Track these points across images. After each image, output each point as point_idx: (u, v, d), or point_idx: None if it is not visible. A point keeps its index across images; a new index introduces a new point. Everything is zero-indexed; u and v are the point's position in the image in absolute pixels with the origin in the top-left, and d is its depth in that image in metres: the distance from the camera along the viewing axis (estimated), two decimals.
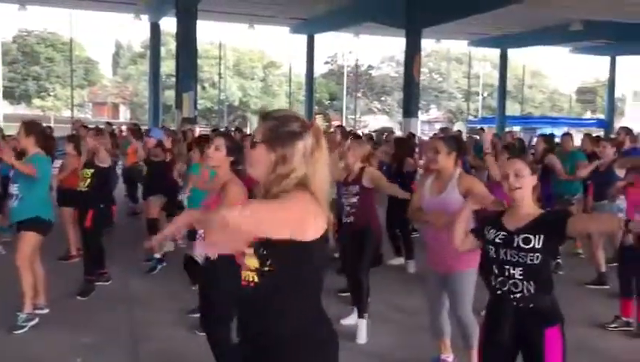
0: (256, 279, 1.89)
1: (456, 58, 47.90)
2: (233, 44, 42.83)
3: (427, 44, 30.71)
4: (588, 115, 51.42)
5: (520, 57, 33.89)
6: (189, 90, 14.82)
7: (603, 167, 6.52)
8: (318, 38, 25.47)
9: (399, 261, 7.41)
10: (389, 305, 5.72)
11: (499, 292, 2.86)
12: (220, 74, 30.95)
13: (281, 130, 1.91)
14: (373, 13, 18.42)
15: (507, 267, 2.82)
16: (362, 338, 4.81)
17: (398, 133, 19.32)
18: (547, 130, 34.33)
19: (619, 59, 29.56)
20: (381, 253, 6.17)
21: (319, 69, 38.64)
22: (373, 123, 48.88)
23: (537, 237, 2.79)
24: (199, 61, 22.18)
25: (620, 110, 43.90)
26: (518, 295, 2.80)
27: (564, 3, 15.98)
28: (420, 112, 19.90)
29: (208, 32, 54.24)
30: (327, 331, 1.99)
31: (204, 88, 41.62)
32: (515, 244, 2.83)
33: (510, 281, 2.81)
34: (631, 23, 19.32)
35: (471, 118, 38.25)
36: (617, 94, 33.16)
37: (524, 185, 2.91)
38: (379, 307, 5.44)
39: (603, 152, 6.62)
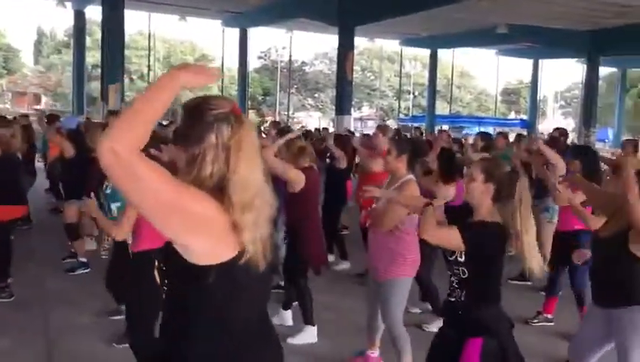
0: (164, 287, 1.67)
1: (388, 57, 48.66)
2: (163, 35, 41.65)
3: (360, 42, 31.04)
4: (512, 115, 53.56)
5: (449, 58, 34.75)
6: (116, 82, 14.25)
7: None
8: (252, 32, 25.17)
9: (345, 265, 7.21)
10: (322, 305, 5.66)
11: (448, 298, 2.91)
12: (149, 66, 30.00)
13: (190, 123, 1.57)
14: (306, 9, 18.35)
15: (449, 272, 2.85)
16: (300, 340, 4.71)
17: (332, 130, 19.39)
18: (475, 130, 35.50)
19: (541, 62, 30.87)
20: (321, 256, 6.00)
21: (252, 64, 38.19)
22: (306, 119, 48.93)
23: (463, 252, 2.73)
24: (127, 52, 21.44)
25: (542, 111, 45.90)
26: (453, 299, 2.84)
27: (490, 7, 16.45)
28: (352, 110, 20.01)
29: (137, 22, 52.60)
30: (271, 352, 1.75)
31: (132, 80, 40.29)
32: (447, 253, 2.82)
33: (452, 285, 2.84)
34: (553, 28, 20.19)
35: (402, 116, 38.98)
36: (539, 96, 34.59)
37: (473, 190, 2.79)
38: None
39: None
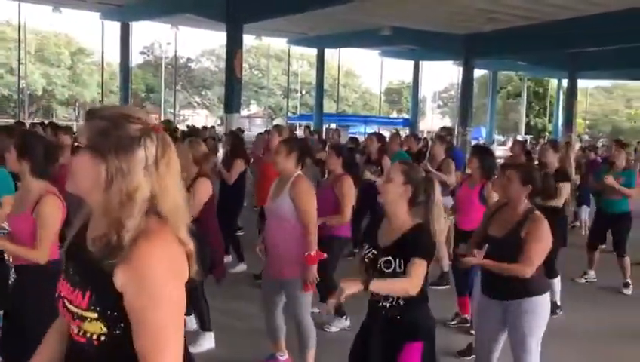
0: (101, 338, 1.41)
1: (275, 55, 48.77)
2: (35, 26, 38.83)
3: (248, 40, 30.78)
4: (394, 114, 55.81)
5: (335, 57, 35.50)
6: None
7: (435, 165, 6.93)
8: (134, 26, 24.09)
9: (242, 267, 7.10)
10: (219, 310, 5.51)
11: (373, 298, 2.82)
12: (19, 60, 27.81)
13: (115, 133, 1.40)
14: (193, 5, 17.88)
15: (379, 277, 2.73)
16: (199, 347, 4.55)
17: (221, 129, 19.07)
18: (360, 128, 36.51)
19: (421, 63, 32.37)
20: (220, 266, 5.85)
21: (135, 59, 36.65)
22: (194, 118, 47.85)
23: (398, 260, 2.71)
24: None
25: (422, 110, 48.21)
26: (387, 305, 2.76)
27: (375, 10, 16.99)
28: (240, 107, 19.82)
29: (4, 12, 48.56)
30: None
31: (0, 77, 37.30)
32: (378, 266, 2.74)
33: (382, 294, 2.75)
34: (432, 32, 21.23)
35: (290, 114, 39.24)
36: (419, 95, 36.25)
37: (389, 191, 2.77)
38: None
39: (434, 150, 7.07)
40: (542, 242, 3.26)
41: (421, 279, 2.66)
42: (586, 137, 46.10)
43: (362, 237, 6.82)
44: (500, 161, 8.99)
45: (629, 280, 6.89)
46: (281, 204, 3.81)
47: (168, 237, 1.40)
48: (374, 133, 8.14)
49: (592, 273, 7.20)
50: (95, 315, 1.38)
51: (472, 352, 4.54)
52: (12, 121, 28.91)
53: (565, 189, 5.85)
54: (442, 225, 2.77)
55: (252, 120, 51.08)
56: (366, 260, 2.82)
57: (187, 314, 4.85)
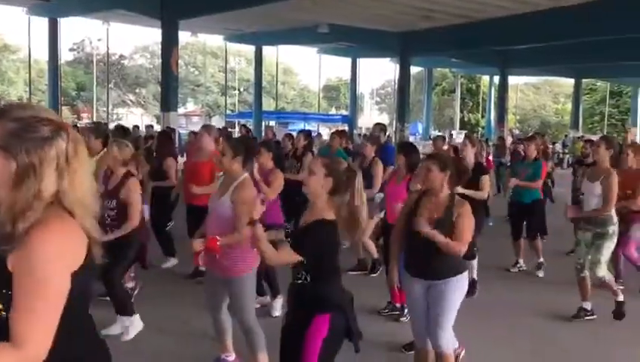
0: (4, 312, 1.51)
1: (212, 52, 48.08)
2: None
3: (183, 37, 30.21)
4: (333, 110, 56.18)
5: (273, 54, 35.29)
6: None
7: (366, 164, 7.01)
8: (63, 22, 23.15)
9: (172, 262, 7.07)
10: (164, 315, 5.38)
11: (292, 280, 3.01)
12: None
13: (25, 134, 1.50)
14: (125, 0, 17.35)
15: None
16: (131, 333, 4.66)
17: (158, 127, 18.61)
18: (300, 125, 36.55)
19: (359, 60, 32.71)
20: (145, 256, 5.76)
21: (64, 56, 35.28)
22: (128, 116, 46.56)
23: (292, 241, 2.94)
24: None
25: (360, 107, 48.78)
26: (299, 281, 2.95)
27: (312, 7, 17.02)
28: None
29: None
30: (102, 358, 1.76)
31: None
32: (291, 243, 2.96)
33: (298, 274, 2.95)
34: (369, 30, 21.47)
35: (229, 112, 38.79)
36: (358, 92, 36.63)
37: (311, 184, 2.94)
38: (154, 315, 5.09)
39: (365, 150, 7.13)
40: (471, 221, 3.62)
41: (283, 260, 2.96)
42: (517, 131, 47.97)
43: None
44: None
45: (542, 260, 7.30)
46: (222, 205, 3.86)
47: (65, 226, 1.52)
48: (302, 131, 8.39)
49: (521, 261, 7.50)
50: None
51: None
52: None
53: (486, 181, 6.15)
54: (365, 212, 2.99)
55: (189, 118, 50.22)
56: (285, 235, 3.07)
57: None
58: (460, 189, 4.49)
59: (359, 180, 2.98)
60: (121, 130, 9.06)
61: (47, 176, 1.51)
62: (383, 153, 7.55)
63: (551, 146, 23.27)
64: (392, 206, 5.31)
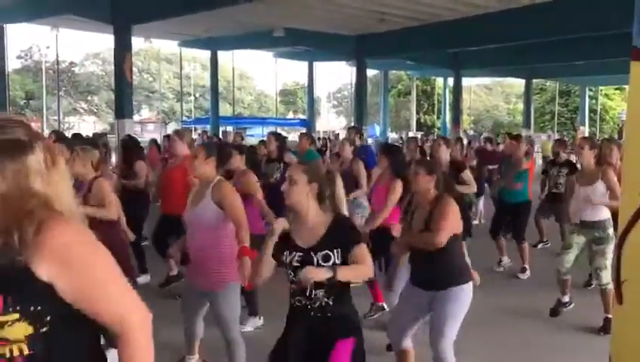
0: (26, 351, 1.37)
1: (166, 58, 47.40)
2: None
3: (136, 43, 29.64)
4: (290, 114, 56.15)
5: (229, 59, 35.02)
6: None
7: (346, 165, 6.97)
8: (9, 28, 22.39)
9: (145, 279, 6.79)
10: None
11: (297, 303, 2.78)
12: None
13: (3, 136, 1.44)
14: (74, 5, 16.85)
15: (309, 287, 2.69)
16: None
17: (112, 136, 18.18)
18: (258, 130, 36.30)
19: (315, 64, 32.74)
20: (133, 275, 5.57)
21: (11, 64, 34.14)
22: (80, 124, 45.41)
23: (336, 251, 2.70)
24: None
25: (317, 110, 48.90)
26: (316, 305, 2.73)
27: (267, 11, 16.92)
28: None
29: None
30: None
31: None
32: (315, 263, 2.69)
33: (312, 295, 2.72)
34: (325, 33, 21.52)
35: (185, 118, 38.27)
36: (314, 96, 36.67)
37: (294, 193, 2.75)
38: None
39: (343, 151, 7.12)
40: (448, 218, 3.54)
41: (371, 261, 2.80)
42: (471, 132, 48.89)
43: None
44: None
45: (526, 266, 7.29)
46: (205, 211, 3.65)
47: (67, 221, 1.45)
48: (272, 133, 8.22)
49: (505, 258, 7.52)
50: (16, 316, 1.34)
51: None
52: None
53: (469, 175, 6.14)
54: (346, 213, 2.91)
55: (144, 125, 49.36)
56: (295, 264, 2.73)
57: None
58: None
59: (340, 183, 2.87)
60: (80, 138, 8.81)
61: (34, 180, 1.46)
62: (363, 154, 7.54)
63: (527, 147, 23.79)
64: (377, 209, 5.28)
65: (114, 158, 15.61)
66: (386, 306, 5.42)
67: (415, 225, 3.73)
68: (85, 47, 58.41)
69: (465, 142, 22.77)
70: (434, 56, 25.69)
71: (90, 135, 14.59)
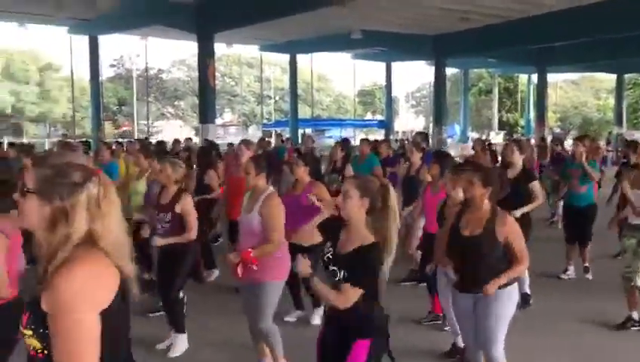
0: (46, 351, 1.60)
1: (247, 62, 48.62)
2: (0, 44, 38.14)
3: (218, 48, 30.71)
4: (369, 115, 56.03)
5: (307, 62, 35.45)
6: None
7: (413, 171, 6.98)
8: (102, 39, 23.78)
9: (215, 274, 7.19)
10: (205, 326, 5.47)
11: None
12: None
13: (58, 180, 1.65)
14: (162, 16, 17.70)
15: (327, 278, 2.94)
16: (177, 351, 4.80)
17: (197, 139, 18.91)
18: (336, 132, 36.50)
19: (393, 64, 32.57)
20: (200, 270, 5.98)
21: (105, 72, 36.23)
22: (167, 128, 47.43)
23: (342, 272, 2.85)
24: None
25: (396, 110, 48.55)
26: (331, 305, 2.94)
27: (344, 14, 17.02)
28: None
29: None
30: None
31: None
32: (329, 270, 2.93)
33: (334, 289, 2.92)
34: (403, 34, 21.38)
35: (265, 121, 39.11)
36: (392, 96, 36.42)
37: (348, 207, 2.89)
38: (193, 325, 5.19)
39: (412, 156, 7.11)
40: (522, 237, 3.63)
41: (351, 301, 2.81)
42: (558, 130, 46.88)
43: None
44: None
45: (587, 264, 7.17)
46: (252, 219, 4.07)
47: (92, 266, 1.60)
48: (339, 142, 8.36)
49: (571, 268, 7.28)
50: (30, 332, 1.60)
51: (456, 353, 4.60)
52: None
53: (537, 187, 5.95)
54: (396, 234, 2.95)
55: (226, 128, 50.83)
56: (325, 259, 2.97)
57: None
58: (517, 213, 4.78)
59: (393, 196, 2.95)
60: (161, 146, 9.27)
61: (78, 220, 1.63)
62: (426, 160, 7.52)
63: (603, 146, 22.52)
64: (429, 216, 5.30)
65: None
66: (440, 315, 5.45)
67: (464, 231, 3.68)
68: (172, 54, 60.92)
69: (549, 139, 21.90)
70: (516, 53, 24.88)
71: (173, 140, 15.34)
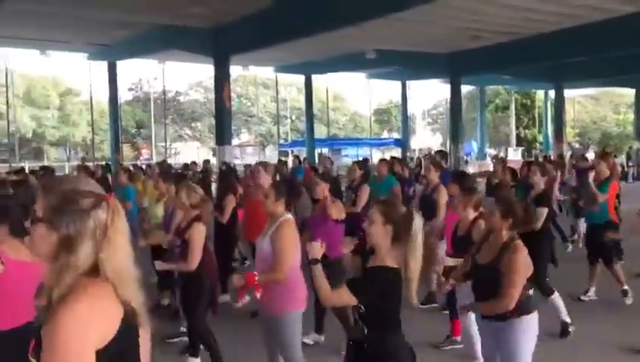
0: None
1: (263, 83, 49.04)
2: (22, 70, 38.95)
3: (234, 70, 31.01)
4: (385, 133, 56.03)
5: (323, 82, 35.65)
6: None
7: (429, 190, 6.95)
8: (121, 63, 24.18)
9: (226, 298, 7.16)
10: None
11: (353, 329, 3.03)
12: (7, 103, 27.83)
13: (65, 207, 1.60)
14: (178, 41, 17.98)
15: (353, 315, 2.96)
16: None
17: (214, 160, 19.05)
18: (352, 151, 36.47)
19: (409, 83, 32.62)
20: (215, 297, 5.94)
21: (124, 96, 36.79)
22: (185, 150, 47.86)
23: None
24: None
25: (412, 128, 48.52)
26: (359, 332, 2.92)
27: (359, 35, 17.13)
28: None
29: None
30: None
31: None
32: (349, 284, 2.93)
33: (356, 322, 2.94)
34: (417, 52, 21.44)
35: (282, 141, 39.30)
36: (408, 114, 36.43)
37: (373, 233, 2.92)
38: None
39: (429, 174, 7.06)
40: (519, 273, 3.44)
41: (335, 302, 3.07)
42: (577, 145, 46.39)
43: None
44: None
45: (626, 287, 6.87)
46: (264, 244, 4.04)
47: (96, 299, 1.54)
48: (356, 162, 8.35)
49: (592, 290, 7.12)
50: (34, 361, 1.55)
51: None
52: (4, 165, 28.85)
53: (542, 214, 5.97)
54: (419, 259, 2.90)
55: (244, 148, 51.16)
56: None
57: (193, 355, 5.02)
58: None
59: (418, 224, 2.91)
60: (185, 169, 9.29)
61: (83, 248, 1.57)
62: (443, 179, 7.47)
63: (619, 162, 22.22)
64: (449, 236, 5.27)
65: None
66: (458, 339, 5.38)
67: (480, 257, 3.69)
68: (189, 76, 61.73)
69: (568, 154, 21.64)
70: (532, 69, 24.77)
71: (190, 162, 15.47)
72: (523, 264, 3.48)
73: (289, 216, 4.17)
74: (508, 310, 3.38)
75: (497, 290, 3.45)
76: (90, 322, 1.50)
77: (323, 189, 5.66)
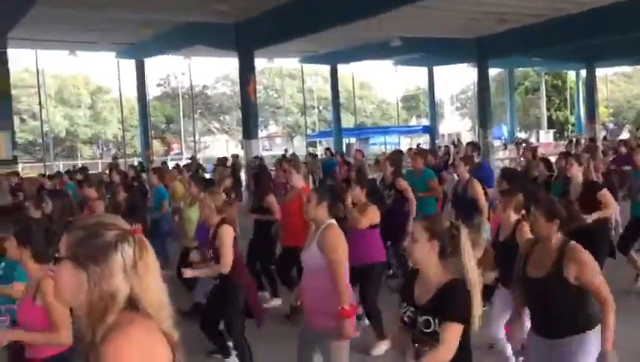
0: None
1: (289, 74, 49.04)
2: (53, 70, 39.74)
3: (260, 62, 31.08)
4: (413, 120, 55.54)
5: (348, 70, 35.50)
6: (5, 130, 13.35)
7: (461, 188, 6.73)
8: (148, 60, 24.52)
9: (277, 302, 6.97)
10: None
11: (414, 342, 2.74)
12: (40, 104, 28.44)
13: (91, 241, 1.52)
14: (203, 37, 18.13)
15: (417, 345, 2.69)
16: None
17: (241, 153, 19.19)
18: (380, 139, 36.25)
19: (435, 68, 32.25)
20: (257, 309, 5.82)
21: (152, 92, 37.22)
22: (214, 143, 48.27)
23: (435, 320, 2.61)
24: (14, 91, 20.18)
25: (441, 113, 47.97)
26: None
27: (383, 23, 16.99)
28: (259, 130, 19.94)
29: (23, 60, 49.85)
30: None
31: (23, 120, 38.20)
32: (417, 327, 2.66)
33: (419, 353, 2.69)
34: (442, 38, 21.16)
35: (310, 132, 39.31)
36: (436, 100, 36.07)
37: (416, 251, 2.69)
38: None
39: (458, 171, 6.84)
40: (595, 271, 3.19)
41: (454, 343, 2.57)
42: (611, 125, 45.25)
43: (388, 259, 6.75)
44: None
45: None
46: (313, 256, 3.67)
47: (142, 331, 1.49)
48: (388, 158, 7.99)
49: None
50: None
51: None
52: (39, 164, 29.59)
53: (607, 196, 5.70)
54: (476, 273, 2.67)
55: (272, 140, 51.40)
56: (405, 319, 2.72)
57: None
58: (588, 219, 4.47)
59: (465, 237, 2.68)
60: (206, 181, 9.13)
61: (117, 281, 1.51)
62: (481, 173, 7.21)
63: None
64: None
65: (244, 180, 16.39)
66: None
67: (531, 271, 3.35)
68: (215, 69, 62.08)
69: (601, 135, 20.94)
70: (562, 50, 24.21)
71: (220, 156, 15.53)
72: (591, 260, 3.20)
73: (332, 221, 3.75)
74: (613, 308, 3.08)
75: (556, 305, 3.20)
76: (140, 356, 1.46)
77: (358, 195, 5.41)
